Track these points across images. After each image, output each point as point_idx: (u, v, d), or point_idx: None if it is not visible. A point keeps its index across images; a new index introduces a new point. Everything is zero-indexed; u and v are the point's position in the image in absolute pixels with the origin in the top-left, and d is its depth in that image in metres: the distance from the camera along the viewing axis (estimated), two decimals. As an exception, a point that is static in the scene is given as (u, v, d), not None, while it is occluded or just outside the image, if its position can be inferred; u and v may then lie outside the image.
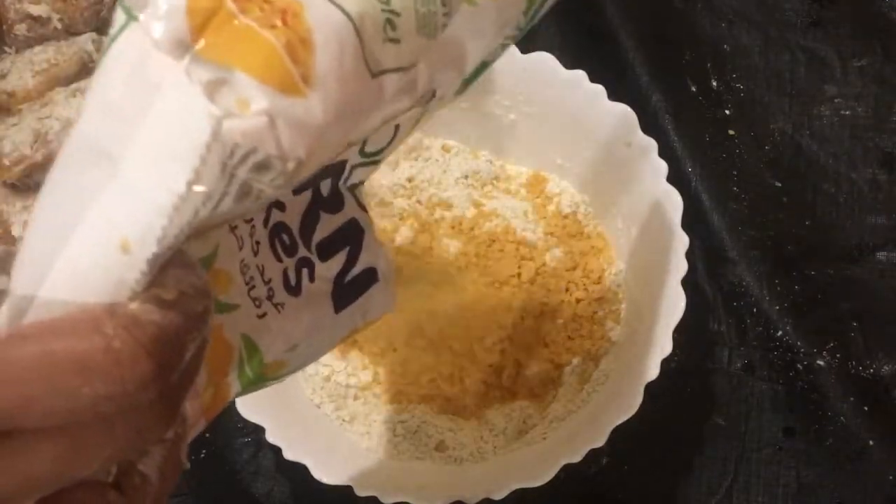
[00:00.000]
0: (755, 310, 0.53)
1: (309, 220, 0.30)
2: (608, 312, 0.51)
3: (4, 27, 0.56)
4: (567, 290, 0.51)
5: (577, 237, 0.53)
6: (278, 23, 0.19)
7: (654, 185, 0.49)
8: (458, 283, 0.51)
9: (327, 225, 0.30)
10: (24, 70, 0.54)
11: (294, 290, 0.29)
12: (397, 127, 0.29)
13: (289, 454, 0.45)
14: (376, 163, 0.31)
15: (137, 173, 0.18)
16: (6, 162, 0.52)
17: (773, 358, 0.52)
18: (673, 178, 0.48)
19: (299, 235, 0.29)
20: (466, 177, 0.55)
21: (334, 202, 0.31)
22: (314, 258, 0.30)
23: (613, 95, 0.50)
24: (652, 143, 0.49)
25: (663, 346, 0.44)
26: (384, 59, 0.21)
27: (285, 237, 0.29)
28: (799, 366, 0.52)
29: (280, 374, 0.30)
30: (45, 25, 0.56)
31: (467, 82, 0.31)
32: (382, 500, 0.43)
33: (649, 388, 0.43)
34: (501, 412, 0.49)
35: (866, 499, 0.50)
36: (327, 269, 0.30)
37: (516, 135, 0.54)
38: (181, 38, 0.18)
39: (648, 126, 0.50)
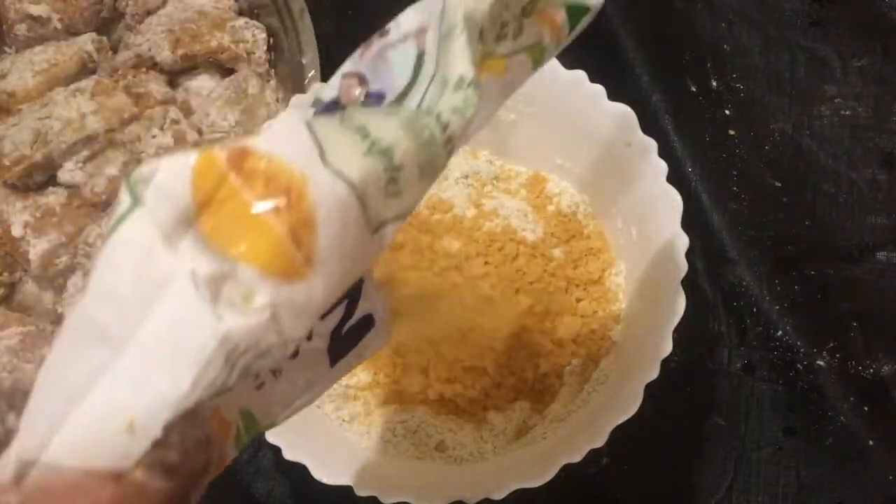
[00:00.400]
0: (755, 310, 0.53)
1: None
2: (608, 312, 0.51)
3: (4, 27, 0.56)
4: (567, 290, 0.51)
5: (577, 237, 0.53)
6: (282, 204, 0.19)
7: (654, 185, 0.49)
8: (457, 284, 0.51)
9: None
10: (24, 70, 0.54)
11: (292, 353, 0.29)
12: None
13: (289, 454, 0.45)
14: None
15: (144, 364, 0.19)
16: (6, 162, 0.52)
17: (773, 358, 0.52)
18: (673, 178, 0.48)
19: None
20: (466, 177, 0.55)
21: None
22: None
23: (613, 95, 0.50)
24: (652, 143, 0.49)
25: (663, 346, 0.44)
26: (385, 213, 0.22)
27: None
28: (799, 366, 0.52)
29: (273, 426, 0.30)
30: (45, 25, 0.56)
31: None
32: (382, 500, 0.43)
33: (649, 388, 0.43)
34: (501, 412, 0.49)
35: (866, 499, 0.50)
36: (324, 326, 0.30)
37: (516, 135, 0.54)
38: (187, 215, 0.19)
39: (648, 126, 0.50)
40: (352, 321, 0.31)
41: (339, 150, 0.20)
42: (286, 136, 0.20)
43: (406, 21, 0.26)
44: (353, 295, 0.31)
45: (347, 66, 0.26)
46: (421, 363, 0.50)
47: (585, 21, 0.30)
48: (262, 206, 0.19)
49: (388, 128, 0.22)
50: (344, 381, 0.50)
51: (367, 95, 0.25)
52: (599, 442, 0.43)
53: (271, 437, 0.45)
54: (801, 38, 0.60)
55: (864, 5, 0.60)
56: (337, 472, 0.44)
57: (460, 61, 0.24)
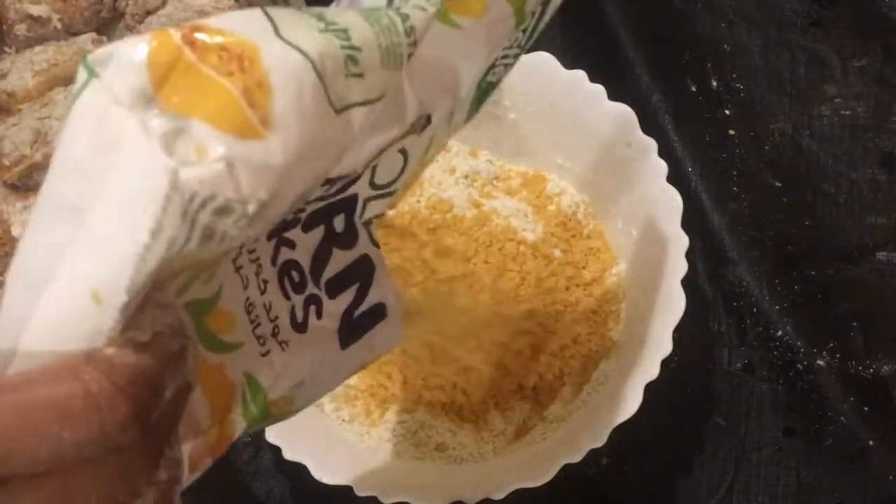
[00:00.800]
0: (755, 310, 0.53)
1: (321, 257, 0.30)
2: (608, 312, 0.51)
3: (4, 27, 0.56)
4: (567, 289, 0.51)
5: (577, 237, 0.53)
6: (235, 69, 0.19)
7: (654, 185, 0.49)
8: (457, 284, 0.51)
9: (339, 261, 0.30)
10: (24, 70, 0.54)
11: (300, 326, 0.29)
12: (405, 155, 0.29)
13: (289, 454, 0.45)
14: (391, 194, 0.31)
15: (103, 227, 0.19)
16: (6, 162, 0.52)
17: (773, 358, 0.52)
18: (673, 178, 0.48)
19: (310, 273, 0.29)
20: (466, 177, 0.55)
21: (348, 238, 0.31)
22: (323, 295, 0.30)
23: (613, 95, 0.50)
24: (652, 143, 0.49)
25: (663, 346, 0.44)
26: (348, 94, 0.22)
27: (295, 274, 0.29)
28: (799, 366, 0.52)
29: (289, 411, 0.30)
30: (45, 25, 0.56)
31: (476, 103, 0.31)
32: (382, 500, 0.43)
33: (649, 388, 0.43)
34: (501, 413, 0.49)
35: (866, 499, 0.50)
36: (335, 306, 0.30)
37: (516, 135, 0.54)
38: (145, 91, 0.19)
39: (648, 126, 0.50)
40: (363, 307, 0.31)
41: (294, 27, 0.20)
42: (238, 14, 0.20)
43: None
44: (364, 280, 0.31)
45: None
46: (421, 365, 0.50)
47: None
48: (216, 74, 0.19)
49: (345, 15, 0.22)
50: (344, 381, 0.50)
51: None
52: (599, 442, 0.43)
53: (271, 436, 0.45)
54: (801, 38, 0.60)
55: (864, 5, 0.60)
56: (337, 472, 0.44)
57: None
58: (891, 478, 0.50)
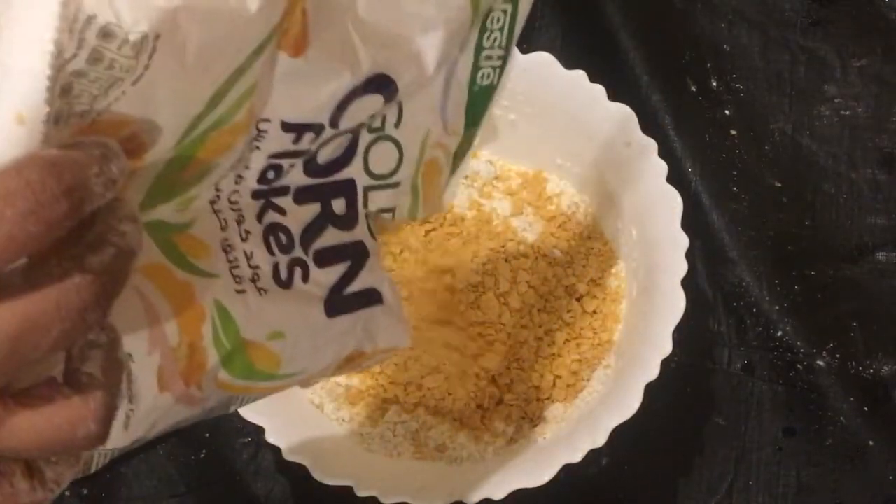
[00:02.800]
0: (755, 310, 0.53)
1: (313, 229, 0.31)
2: (608, 312, 0.51)
3: (4, 27, 0.56)
4: (567, 290, 0.51)
5: (577, 237, 0.53)
6: None
7: (654, 185, 0.49)
8: (457, 284, 0.51)
9: (332, 237, 0.31)
10: (24, 70, 0.54)
11: (284, 283, 0.30)
12: (398, 146, 0.30)
13: (289, 454, 0.45)
14: (394, 185, 0.32)
15: (13, 54, 0.21)
16: (6, 162, 0.52)
17: (773, 358, 0.52)
18: (673, 178, 0.48)
19: (299, 239, 0.30)
20: (466, 177, 0.55)
21: (347, 221, 0.31)
22: (310, 262, 0.31)
23: (613, 95, 0.50)
24: (652, 143, 0.49)
25: (663, 346, 0.44)
26: None
27: (282, 237, 0.30)
28: (799, 366, 0.52)
29: (276, 375, 0.30)
30: (45, 25, 0.56)
31: (473, 109, 0.32)
32: (382, 500, 0.43)
33: (649, 388, 0.43)
34: (501, 413, 0.49)
35: (866, 499, 0.50)
36: (324, 276, 0.31)
37: (516, 135, 0.54)
38: None
39: (648, 126, 0.50)
40: (353, 287, 0.32)
41: None
42: None
43: None
44: (356, 261, 0.32)
45: None
46: (422, 365, 0.50)
47: None
48: None
49: None
50: (344, 381, 0.50)
51: None
52: (599, 442, 0.43)
53: (271, 437, 0.45)
54: (801, 38, 0.60)
55: (864, 5, 0.60)
56: (337, 472, 0.44)
57: None
58: (891, 478, 0.50)
